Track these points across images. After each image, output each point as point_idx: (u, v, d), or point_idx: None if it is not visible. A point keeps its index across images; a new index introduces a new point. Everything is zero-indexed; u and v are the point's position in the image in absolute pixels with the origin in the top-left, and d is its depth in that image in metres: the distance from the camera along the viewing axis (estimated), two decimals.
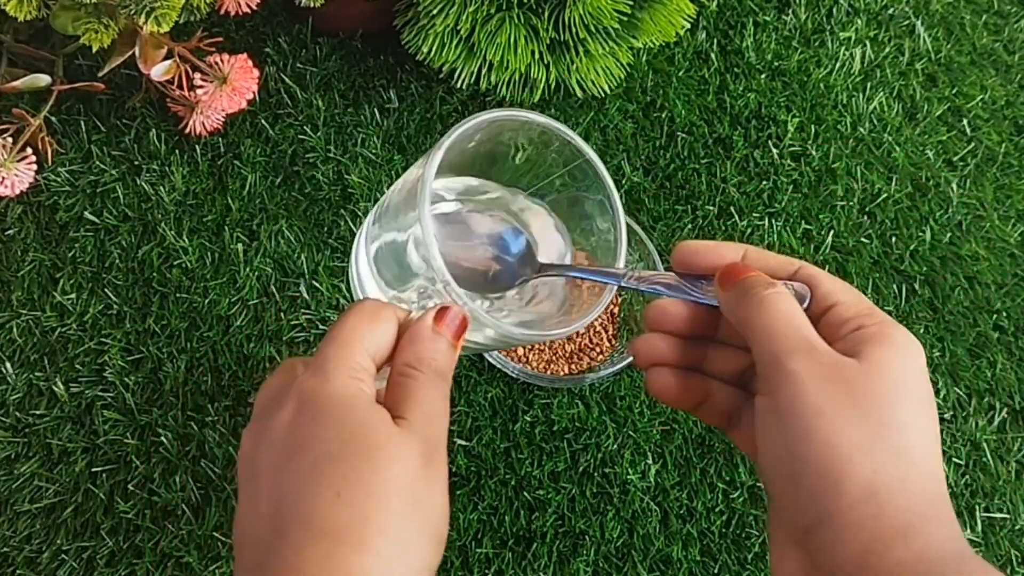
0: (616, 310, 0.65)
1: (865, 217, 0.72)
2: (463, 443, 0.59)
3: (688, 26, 0.74)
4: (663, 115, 0.74)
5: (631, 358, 0.60)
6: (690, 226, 0.69)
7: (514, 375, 0.61)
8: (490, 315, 0.39)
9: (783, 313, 0.38)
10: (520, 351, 0.62)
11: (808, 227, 0.70)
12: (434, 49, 0.68)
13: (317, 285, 0.64)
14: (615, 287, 0.43)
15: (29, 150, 0.62)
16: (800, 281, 0.40)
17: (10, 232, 0.64)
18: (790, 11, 0.82)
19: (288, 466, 0.34)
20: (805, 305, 0.39)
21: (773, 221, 0.70)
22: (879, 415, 0.35)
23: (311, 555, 0.32)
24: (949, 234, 0.72)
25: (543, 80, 0.71)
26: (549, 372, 0.62)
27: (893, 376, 0.36)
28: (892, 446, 0.35)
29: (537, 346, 0.62)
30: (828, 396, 0.36)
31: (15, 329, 0.60)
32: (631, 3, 0.69)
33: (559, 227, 0.48)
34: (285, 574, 0.32)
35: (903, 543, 0.34)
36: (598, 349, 0.63)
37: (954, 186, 0.74)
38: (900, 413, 0.35)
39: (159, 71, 0.62)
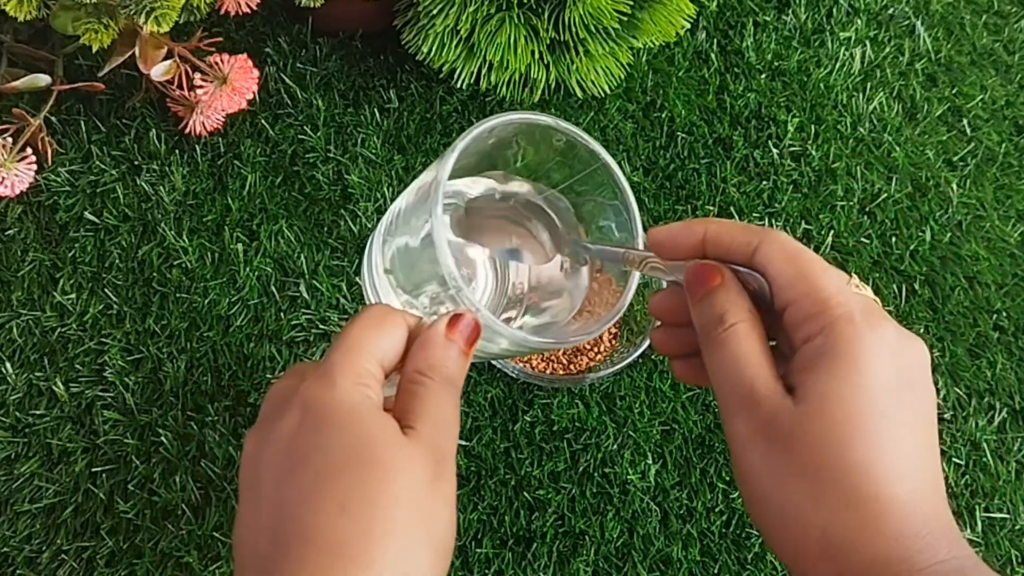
0: None
1: (865, 217, 0.72)
2: (463, 443, 0.59)
3: (688, 26, 0.74)
4: (663, 115, 0.74)
5: (631, 358, 0.60)
6: None
7: (514, 375, 0.61)
8: (504, 323, 0.39)
9: (729, 359, 0.36)
10: None
11: (808, 227, 0.70)
12: (434, 49, 0.68)
13: (317, 285, 0.64)
14: (631, 289, 0.43)
15: (29, 150, 0.62)
16: (758, 269, 0.37)
17: (10, 232, 0.64)
18: (790, 11, 0.82)
19: (290, 478, 0.33)
20: (769, 297, 0.37)
21: (773, 221, 0.70)
22: (819, 466, 0.33)
23: (311, 570, 0.31)
24: (949, 234, 0.72)
25: (543, 80, 0.71)
26: (549, 372, 0.62)
27: (833, 412, 0.33)
28: (841, 496, 0.33)
29: None
30: (768, 458, 0.34)
31: (15, 329, 0.60)
32: (631, 3, 0.69)
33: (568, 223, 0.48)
34: None
35: None
36: (598, 349, 0.63)
37: (954, 186, 0.74)
38: (848, 454, 0.33)
39: (159, 71, 0.62)
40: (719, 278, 0.38)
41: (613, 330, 0.64)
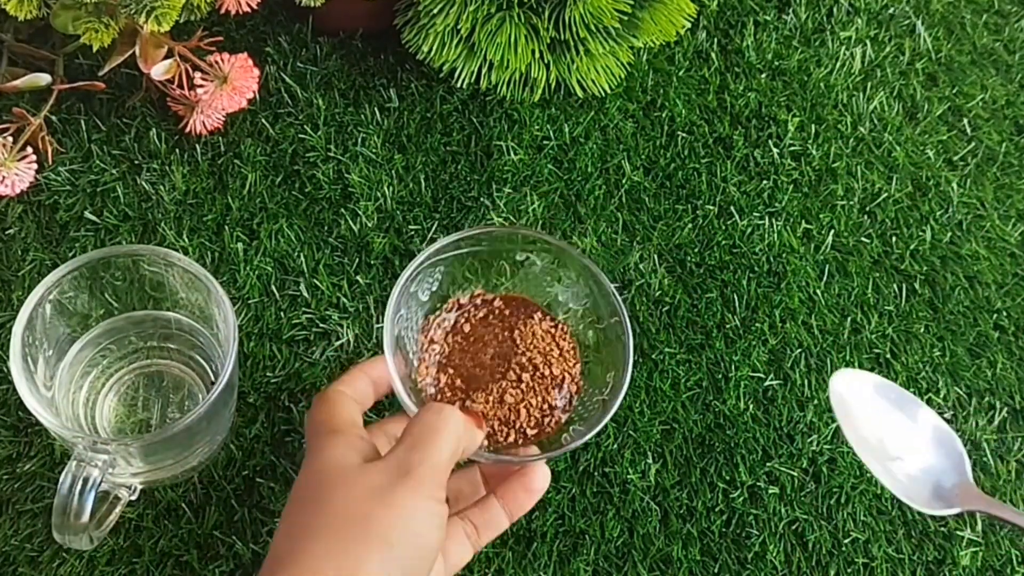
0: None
1: (865, 217, 0.72)
2: None
3: (688, 25, 0.74)
4: (663, 115, 0.74)
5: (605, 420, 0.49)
6: (690, 226, 0.69)
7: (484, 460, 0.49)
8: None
9: None
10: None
11: (808, 226, 0.70)
12: (434, 48, 0.68)
13: (317, 284, 0.64)
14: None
15: (29, 149, 0.62)
16: None
17: (10, 232, 0.64)
18: (790, 11, 0.82)
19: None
20: None
21: (773, 220, 0.70)
22: None
23: (319, 548, 0.41)
24: (949, 234, 0.72)
25: (543, 79, 0.71)
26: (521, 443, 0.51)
27: None
28: None
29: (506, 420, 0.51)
30: None
31: None
32: (631, 2, 0.69)
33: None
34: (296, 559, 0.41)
35: None
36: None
37: (954, 186, 0.74)
38: None
39: (159, 70, 0.62)
40: None
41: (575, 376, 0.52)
